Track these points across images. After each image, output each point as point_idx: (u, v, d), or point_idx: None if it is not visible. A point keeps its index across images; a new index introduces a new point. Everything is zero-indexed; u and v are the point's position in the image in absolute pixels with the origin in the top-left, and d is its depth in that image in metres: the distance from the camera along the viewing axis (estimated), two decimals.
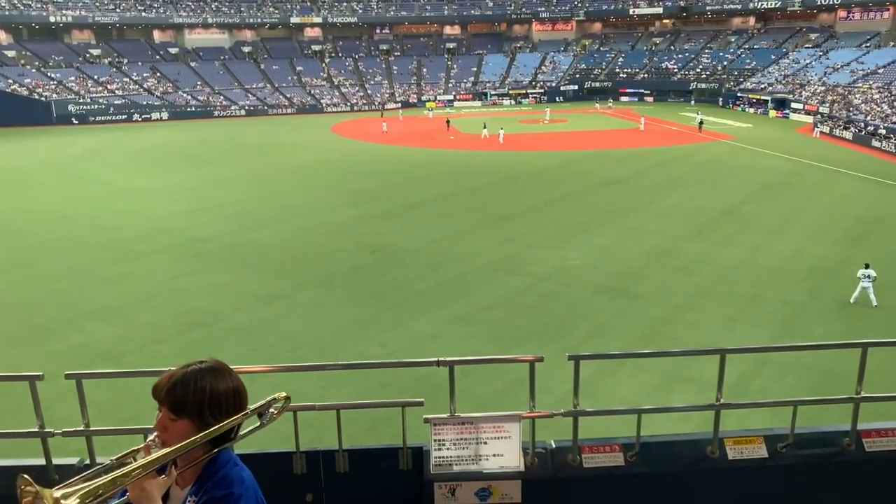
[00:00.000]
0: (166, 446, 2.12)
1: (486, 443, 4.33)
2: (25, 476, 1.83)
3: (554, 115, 65.34)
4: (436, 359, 4.25)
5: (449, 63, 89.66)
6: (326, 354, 14.69)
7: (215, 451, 2.18)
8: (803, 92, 64.27)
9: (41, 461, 4.19)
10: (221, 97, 76.67)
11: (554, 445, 4.50)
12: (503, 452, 4.32)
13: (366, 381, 12.78)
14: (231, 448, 2.26)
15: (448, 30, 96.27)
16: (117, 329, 16.53)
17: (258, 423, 2.31)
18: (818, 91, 63.05)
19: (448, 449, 4.32)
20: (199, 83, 78.27)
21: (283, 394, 2.33)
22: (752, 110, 67.58)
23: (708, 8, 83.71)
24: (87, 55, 78.75)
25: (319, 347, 15.30)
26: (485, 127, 52.11)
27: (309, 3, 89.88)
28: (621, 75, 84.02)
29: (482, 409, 4.55)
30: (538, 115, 66.09)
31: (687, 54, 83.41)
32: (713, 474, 4.42)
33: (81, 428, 4.16)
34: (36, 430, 4.11)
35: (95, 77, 74.50)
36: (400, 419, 4.33)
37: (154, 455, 2.05)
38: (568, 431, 4.39)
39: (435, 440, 4.32)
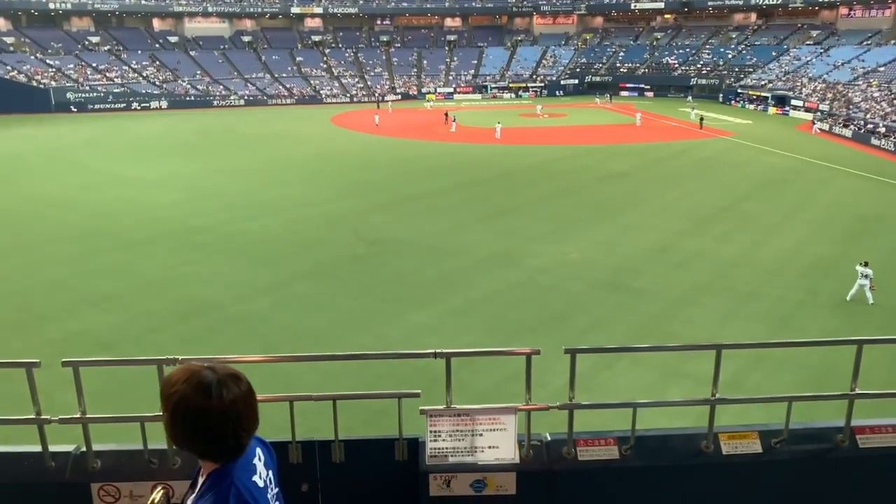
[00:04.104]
0: None
1: (481, 434, 4.33)
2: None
3: (554, 110, 65.20)
4: (433, 350, 4.25)
5: (449, 55, 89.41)
6: (324, 345, 14.70)
7: (213, 468, 2.18)
8: (803, 89, 64.18)
9: (37, 448, 4.19)
10: (221, 87, 76.44)
11: (549, 438, 4.50)
12: (499, 444, 4.33)
13: (364, 372, 12.80)
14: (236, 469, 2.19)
15: (449, 22, 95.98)
16: (115, 317, 16.52)
17: None
18: (818, 88, 62.95)
19: (444, 440, 4.33)
20: (198, 72, 78.00)
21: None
22: (751, 107, 67.49)
23: (709, 3, 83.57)
24: (87, 42, 78.38)
25: (317, 338, 15.31)
26: (455, 120, 52.24)
27: None
28: (622, 70, 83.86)
29: (479, 401, 4.55)
30: (535, 108, 66.04)
31: (688, 50, 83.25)
32: (707, 469, 4.43)
33: (78, 415, 4.16)
34: (32, 416, 4.11)
35: (94, 65, 74.21)
36: (396, 410, 4.34)
37: None
38: (563, 424, 4.40)
39: (431, 431, 4.33)
